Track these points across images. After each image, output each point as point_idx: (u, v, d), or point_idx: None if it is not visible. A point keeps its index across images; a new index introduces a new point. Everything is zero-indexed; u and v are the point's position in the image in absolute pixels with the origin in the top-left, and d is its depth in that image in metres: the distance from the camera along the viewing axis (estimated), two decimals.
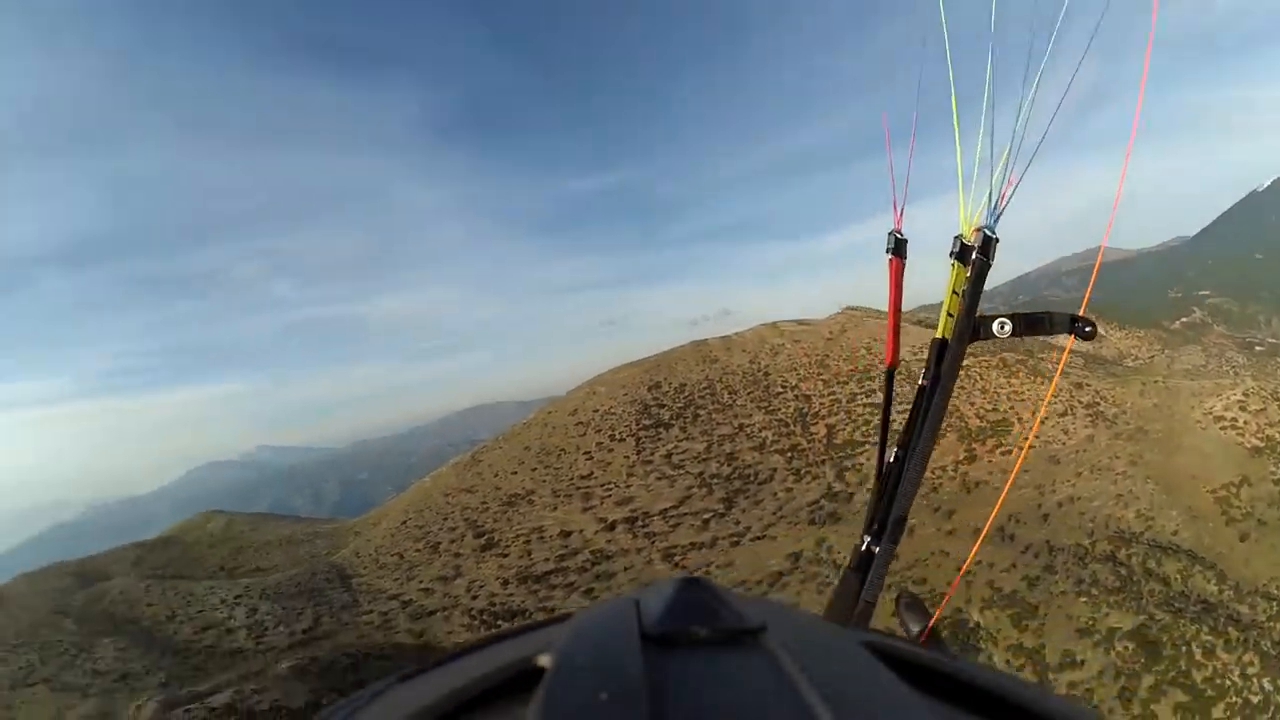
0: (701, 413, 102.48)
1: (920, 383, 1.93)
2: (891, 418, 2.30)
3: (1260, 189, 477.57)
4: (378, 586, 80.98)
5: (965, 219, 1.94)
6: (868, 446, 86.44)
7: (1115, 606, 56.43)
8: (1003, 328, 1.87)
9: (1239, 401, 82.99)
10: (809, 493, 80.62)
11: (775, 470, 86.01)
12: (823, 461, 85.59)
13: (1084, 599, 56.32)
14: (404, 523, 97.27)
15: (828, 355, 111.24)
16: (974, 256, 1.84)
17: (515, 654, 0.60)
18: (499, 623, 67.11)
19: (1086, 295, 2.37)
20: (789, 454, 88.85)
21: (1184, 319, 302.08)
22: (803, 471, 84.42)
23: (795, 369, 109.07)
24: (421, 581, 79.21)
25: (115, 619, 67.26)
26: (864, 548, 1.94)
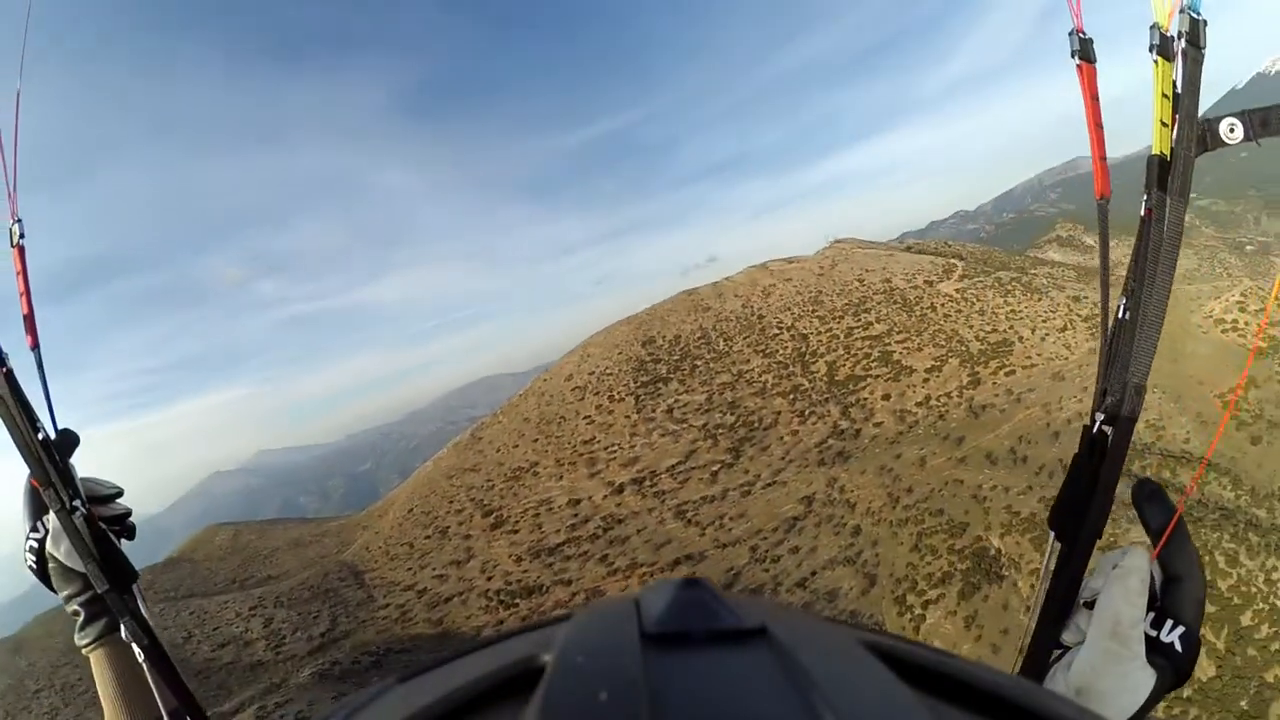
0: (699, 363, 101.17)
1: (1141, 214, 1.58)
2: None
3: (1239, 87, 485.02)
4: (391, 579, 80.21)
5: (1159, 2, 1.52)
6: (869, 380, 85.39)
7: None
8: (1233, 130, 1.55)
9: (1238, 303, 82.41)
10: (815, 433, 79.75)
11: (779, 414, 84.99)
12: (826, 400, 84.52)
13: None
14: (410, 511, 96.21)
15: (821, 291, 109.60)
16: (1181, 46, 1.54)
17: (515, 654, 0.61)
18: (516, 602, 66.19)
19: None
20: (791, 396, 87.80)
21: None
22: (807, 412, 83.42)
23: (789, 308, 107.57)
24: (434, 569, 78.34)
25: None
26: (1095, 428, 1.62)
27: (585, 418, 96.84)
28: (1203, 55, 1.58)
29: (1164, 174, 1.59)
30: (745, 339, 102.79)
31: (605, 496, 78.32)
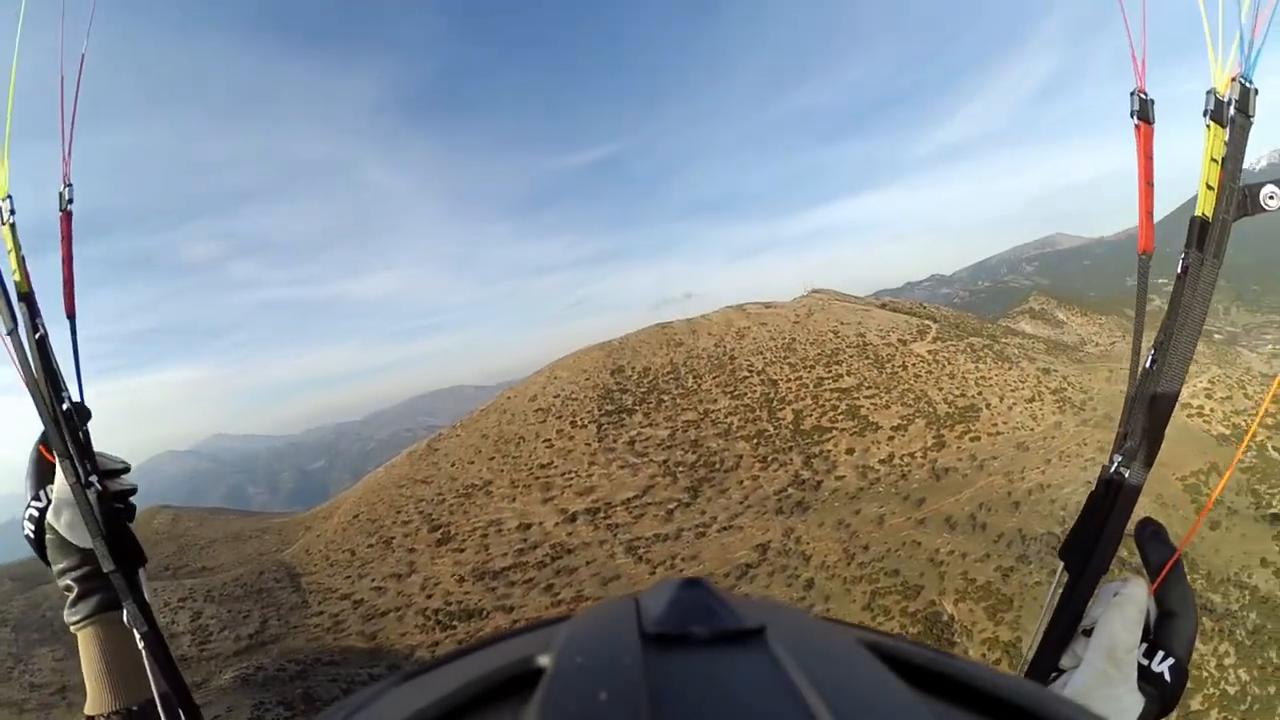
0: (665, 397, 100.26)
1: (1178, 270, 1.67)
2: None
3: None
4: (328, 585, 77.94)
5: (1217, 67, 1.64)
6: (834, 432, 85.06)
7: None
8: (1273, 199, 1.64)
9: (1205, 389, 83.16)
10: (776, 481, 79.12)
11: (741, 457, 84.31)
12: (790, 448, 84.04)
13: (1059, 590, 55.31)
14: (356, 516, 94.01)
15: (794, 339, 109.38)
16: (1230, 114, 1.61)
17: (515, 654, 0.60)
18: (455, 624, 64.52)
19: None
20: (755, 440, 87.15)
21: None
22: (769, 459, 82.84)
23: (761, 352, 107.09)
24: (374, 579, 76.26)
25: (54, 626, 63.95)
26: (1113, 469, 1.71)
27: (545, 441, 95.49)
28: (1250, 123, 1.64)
29: (1203, 235, 1.65)
30: (714, 378, 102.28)
31: (557, 524, 77.01)
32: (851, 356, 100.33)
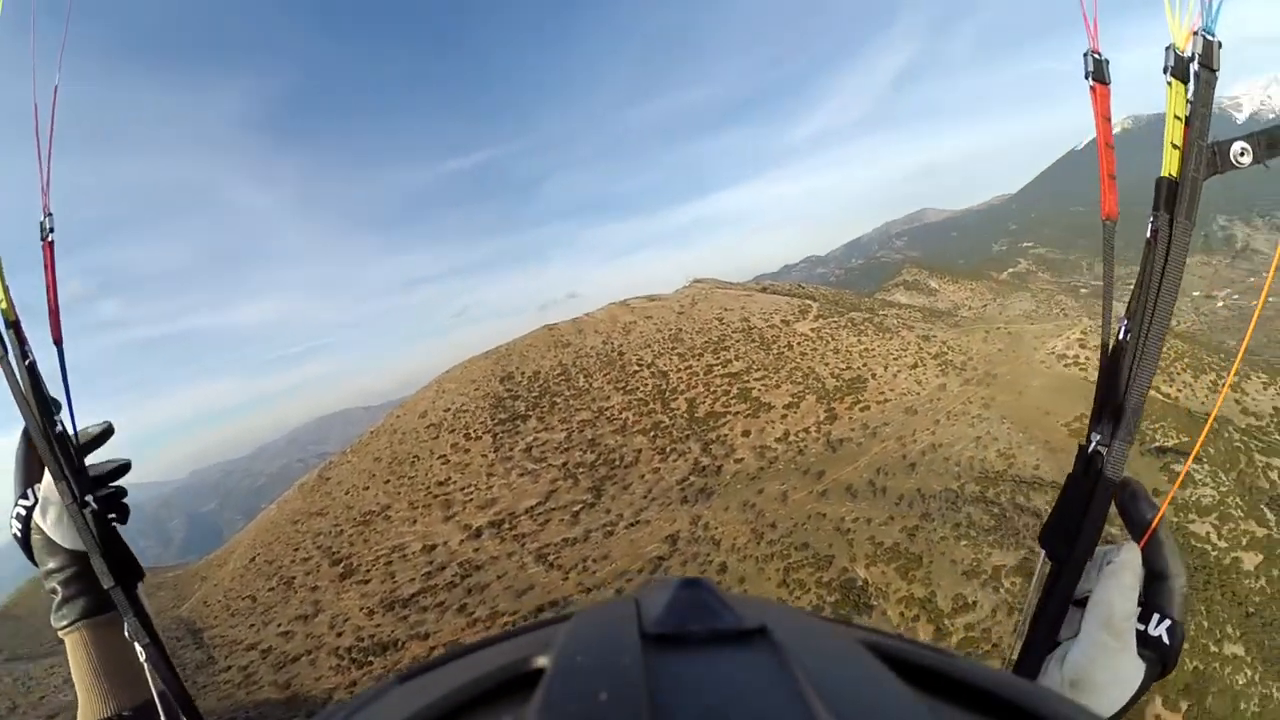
0: (558, 400, 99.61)
1: (1147, 235, 1.60)
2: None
3: (1079, 148, 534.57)
4: (233, 637, 74.46)
5: (1175, 23, 1.60)
6: (729, 417, 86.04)
7: (995, 545, 58.53)
8: (1244, 154, 1.55)
9: (1079, 339, 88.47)
10: (677, 471, 79.48)
11: (640, 451, 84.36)
12: (687, 437, 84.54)
13: (964, 542, 57.36)
14: (253, 559, 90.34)
15: (681, 329, 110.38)
16: (1194, 69, 1.55)
17: (515, 654, 0.61)
18: (370, 660, 62.55)
19: None
20: (652, 433, 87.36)
21: (1011, 269, 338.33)
22: (668, 450, 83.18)
23: (650, 345, 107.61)
24: (279, 624, 73.23)
25: None
26: (1091, 448, 1.64)
27: (440, 457, 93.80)
28: (1215, 78, 1.57)
29: (1171, 196, 1.58)
30: (605, 376, 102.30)
31: (462, 541, 75.61)
32: (738, 341, 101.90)
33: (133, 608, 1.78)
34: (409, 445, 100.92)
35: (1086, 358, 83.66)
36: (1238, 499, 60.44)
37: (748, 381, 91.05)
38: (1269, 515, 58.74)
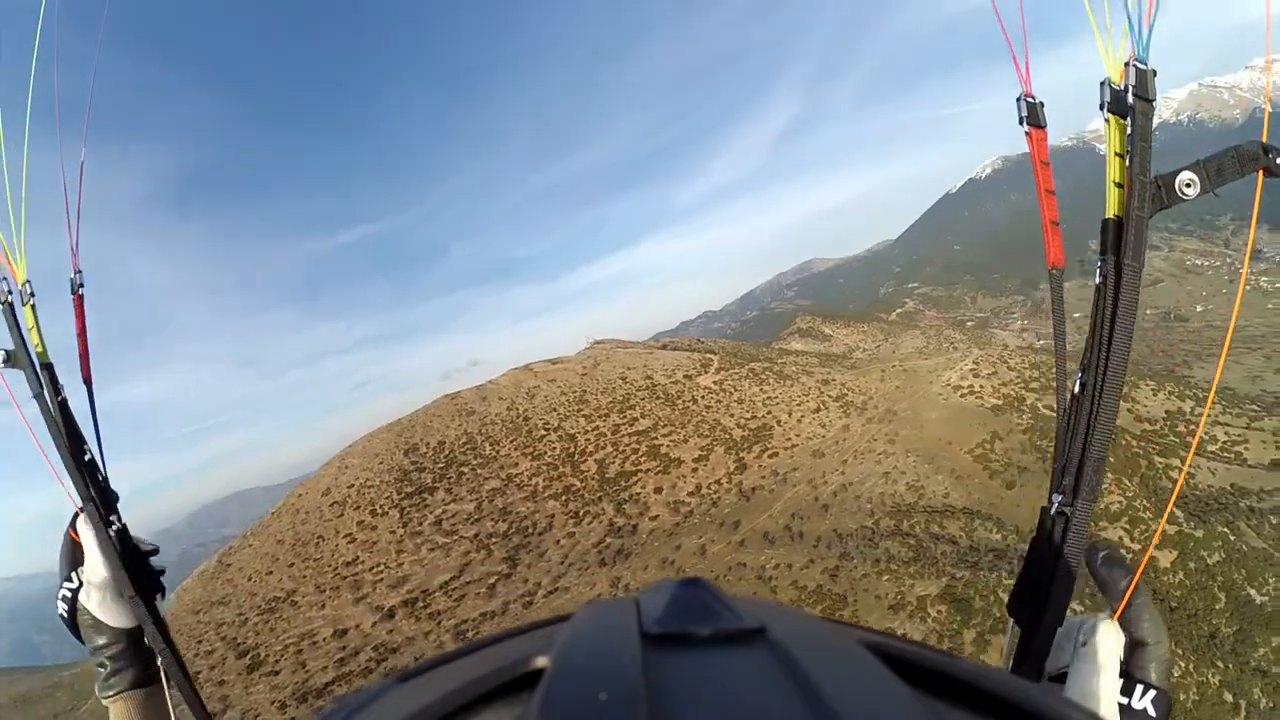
0: (465, 470, 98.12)
1: (1095, 282, 1.56)
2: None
3: (953, 191, 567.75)
4: None
5: (1108, 55, 1.55)
6: (640, 474, 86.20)
7: (916, 576, 59.50)
8: (1190, 186, 1.49)
9: (971, 370, 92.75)
10: (592, 533, 79.01)
11: (553, 517, 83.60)
12: (600, 498, 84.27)
13: (885, 576, 58.60)
14: None
15: (585, 390, 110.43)
16: (1131, 101, 1.52)
17: (515, 654, 0.61)
18: None
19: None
20: (564, 497, 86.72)
21: (900, 309, 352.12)
22: (581, 513, 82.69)
23: (555, 409, 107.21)
24: None
25: None
26: (1054, 509, 1.60)
27: (346, 536, 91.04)
28: (1152, 109, 1.55)
29: (1118, 238, 1.55)
30: (512, 442, 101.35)
31: (375, 624, 73.22)
32: (643, 399, 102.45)
33: (152, 618, 2.03)
34: (312, 525, 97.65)
35: (980, 386, 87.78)
36: (1144, 501, 63.53)
37: (656, 438, 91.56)
38: (1178, 513, 61.75)
